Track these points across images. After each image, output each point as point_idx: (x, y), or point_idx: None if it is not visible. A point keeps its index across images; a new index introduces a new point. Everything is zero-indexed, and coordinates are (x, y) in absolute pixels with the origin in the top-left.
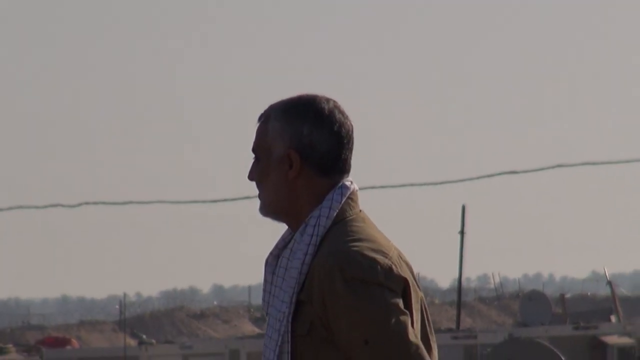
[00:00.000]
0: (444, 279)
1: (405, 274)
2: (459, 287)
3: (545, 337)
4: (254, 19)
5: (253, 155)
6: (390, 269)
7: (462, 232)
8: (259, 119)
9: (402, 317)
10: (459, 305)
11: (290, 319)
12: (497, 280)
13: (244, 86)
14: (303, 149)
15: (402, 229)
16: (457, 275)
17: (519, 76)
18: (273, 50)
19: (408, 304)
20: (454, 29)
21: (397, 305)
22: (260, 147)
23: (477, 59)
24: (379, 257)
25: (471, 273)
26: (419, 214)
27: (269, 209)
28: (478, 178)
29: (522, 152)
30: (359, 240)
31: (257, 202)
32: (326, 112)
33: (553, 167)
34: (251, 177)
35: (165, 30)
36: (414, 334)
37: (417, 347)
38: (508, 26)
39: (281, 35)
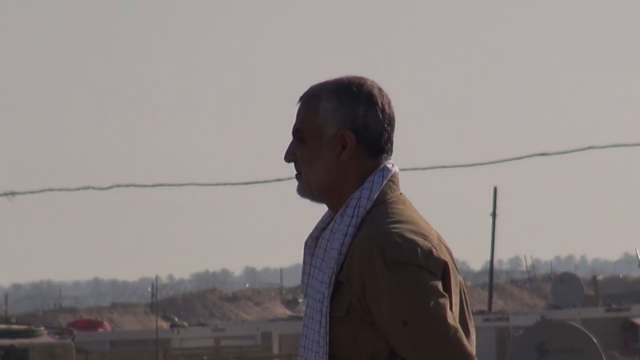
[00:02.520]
0: (476, 261)
1: (445, 257)
2: (490, 270)
3: (578, 320)
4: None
5: (292, 137)
6: (431, 251)
7: (493, 214)
8: (302, 99)
9: (441, 300)
10: (491, 287)
11: (329, 300)
12: (529, 262)
13: (270, 67)
14: (358, 130)
15: (434, 211)
16: (489, 257)
17: (550, 57)
18: (301, 31)
19: (447, 287)
20: (481, 8)
21: (436, 287)
22: (309, 128)
23: (507, 40)
24: (419, 239)
25: (503, 255)
26: (450, 196)
27: (314, 190)
28: (509, 160)
29: (553, 133)
30: (399, 222)
31: (290, 185)
32: (376, 93)
33: (584, 148)
34: (290, 158)
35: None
36: (453, 317)
37: (456, 330)
38: (536, 6)
39: (310, 11)
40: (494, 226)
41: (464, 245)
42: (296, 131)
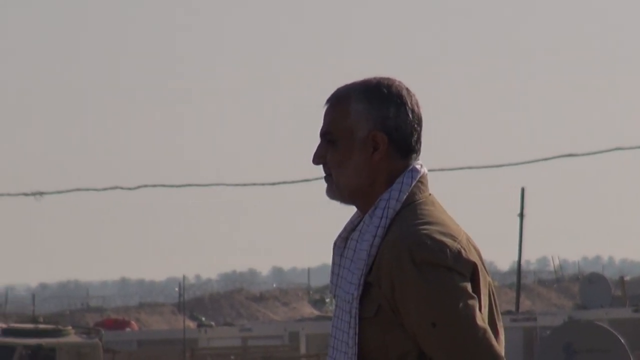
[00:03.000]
0: (504, 262)
1: (474, 258)
2: (518, 270)
3: (605, 320)
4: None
5: (319, 139)
6: (460, 252)
7: (521, 215)
8: (330, 101)
9: (470, 301)
10: (519, 287)
11: (358, 301)
12: (557, 262)
13: (297, 67)
14: (389, 131)
15: (462, 211)
16: (516, 257)
17: (577, 58)
18: (322, 34)
19: (476, 288)
20: (509, 6)
21: (465, 289)
22: (339, 130)
23: (535, 40)
24: (448, 240)
25: (531, 256)
26: (478, 197)
27: (345, 192)
28: (537, 161)
29: (581, 134)
30: (429, 223)
31: (318, 185)
32: (405, 93)
33: (612, 149)
34: (318, 160)
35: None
36: (482, 318)
37: (485, 331)
38: (565, 6)
39: (329, 14)
40: (522, 226)
41: (492, 245)
42: (325, 133)
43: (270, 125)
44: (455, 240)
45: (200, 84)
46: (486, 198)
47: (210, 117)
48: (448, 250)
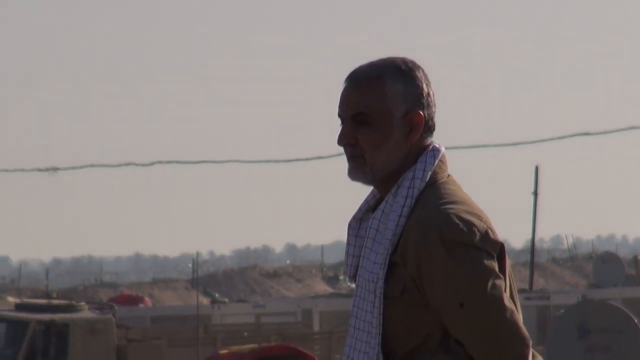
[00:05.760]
0: (517, 240)
1: (500, 238)
2: (532, 248)
3: (619, 299)
4: None
5: (340, 119)
6: (487, 232)
7: (535, 193)
8: (357, 81)
9: (498, 281)
10: (532, 266)
11: (383, 281)
12: (571, 241)
13: (312, 44)
14: (425, 110)
15: (476, 189)
16: (530, 236)
17: (594, 38)
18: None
19: (502, 269)
20: None
21: (493, 268)
22: (375, 111)
23: (551, 19)
24: (475, 220)
25: (544, 234)
26: (492, 175)
27: (379, 173)
28: (551, 139)
29: (596, 113)
30: (454, 202)
31: (331, 162)
32: (425, 72)
33: (627, 128)
34: (349, 141)
35: None
36: (509, 299)
37: (512, 312)
38: None
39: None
40: (536, 205)
41: (506, 223)
42: (359, 114)
43: (284, 102)
44: (481, 220)
45: (214, 59)
46: (500, 176)
47: (225, 93)
48: (476, 229)
